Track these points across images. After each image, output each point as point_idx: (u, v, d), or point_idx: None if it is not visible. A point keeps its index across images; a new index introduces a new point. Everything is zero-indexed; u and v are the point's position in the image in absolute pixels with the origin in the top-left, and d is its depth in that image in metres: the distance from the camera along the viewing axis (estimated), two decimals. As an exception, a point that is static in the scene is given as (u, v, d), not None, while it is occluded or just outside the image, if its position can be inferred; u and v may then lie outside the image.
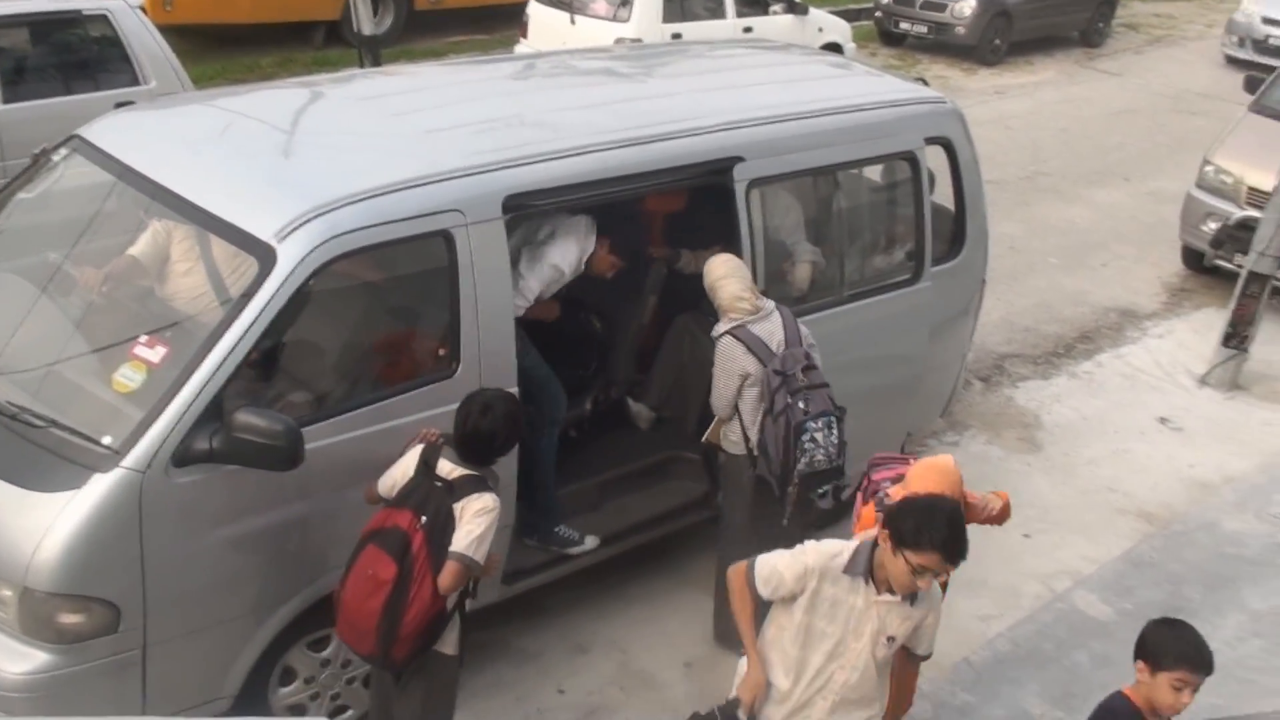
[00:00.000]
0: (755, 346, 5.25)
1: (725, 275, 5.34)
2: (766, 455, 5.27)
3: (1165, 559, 6.68)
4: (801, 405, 5.18)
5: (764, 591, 4.00)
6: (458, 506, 4.18)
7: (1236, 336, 8.62)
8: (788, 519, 5.29)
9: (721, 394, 5.33)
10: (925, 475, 4.41)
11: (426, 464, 4.29)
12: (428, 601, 4.16)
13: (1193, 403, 8.56)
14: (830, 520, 5.44)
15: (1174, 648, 3.85)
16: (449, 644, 4.44)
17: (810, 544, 4.00)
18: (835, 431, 5.28)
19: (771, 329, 5.33)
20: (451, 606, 4.35)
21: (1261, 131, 10.01)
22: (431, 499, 4.21)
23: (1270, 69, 11.82)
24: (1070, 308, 9.87)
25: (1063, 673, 5.79)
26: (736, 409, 5.34)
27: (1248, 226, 9.03)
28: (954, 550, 3.79)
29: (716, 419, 5.45)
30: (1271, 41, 16.78)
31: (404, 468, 4.36)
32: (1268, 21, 16.88)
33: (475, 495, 4.21)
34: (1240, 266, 8.76)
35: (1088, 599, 6.31)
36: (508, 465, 4.86)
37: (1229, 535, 6.91)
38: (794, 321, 5.42)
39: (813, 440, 5.19)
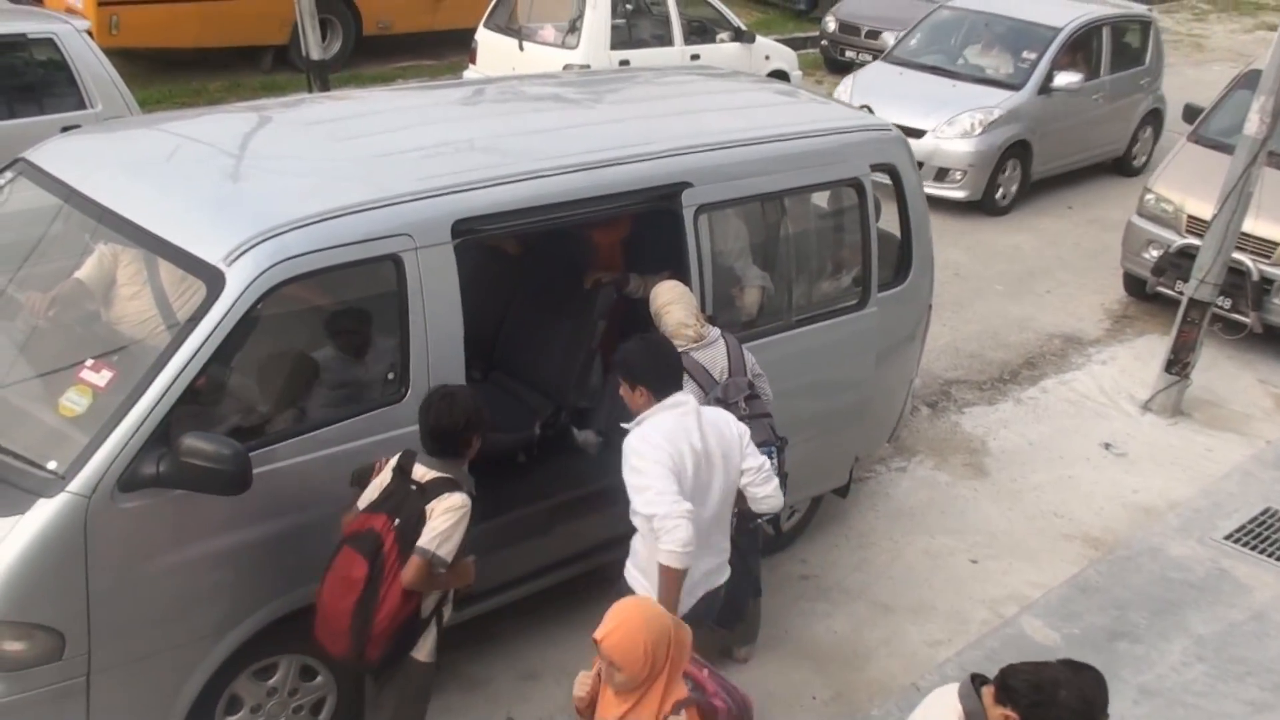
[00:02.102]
0: (697, 374, 5.25)
1: (670, 302, 5.37)
2: None
3: (1110, 584, 6.75)
4: None
5: None
6: (429, 507, 4.28)
7: (1178, 363, 8.76)
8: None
9: None
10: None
11: (402, 469, 4.38)
12: (398, 601, 4.26)
13: (1136, 429, 8.68)
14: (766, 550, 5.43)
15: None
16: (424, 651, 4.53)
17: None
18: (775, 462, 5.28)
19: (714, 356, 5.34)
20: (429, 614, 4.44)
21: (1200, 161, 10.20)
22: (406, 502, 4.31)
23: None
24: (1015, 334, 10.00)
25: (1010, 696, 5.84)
26: None
27: (1188, 254, 9.20)
28: None
29: None
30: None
31: (381, 479, 4.44)
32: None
33: (445, 495, 4.30)
34: (1181, 294, 8.90)
35: (1034, 624, 6.37)
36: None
37: (1173, 560, 7.00)
38: (739, 349, 5.43)
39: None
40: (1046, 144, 12.68)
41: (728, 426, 4.74)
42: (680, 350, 5.25)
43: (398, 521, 4.28)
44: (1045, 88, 12.49)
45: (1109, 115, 13.48)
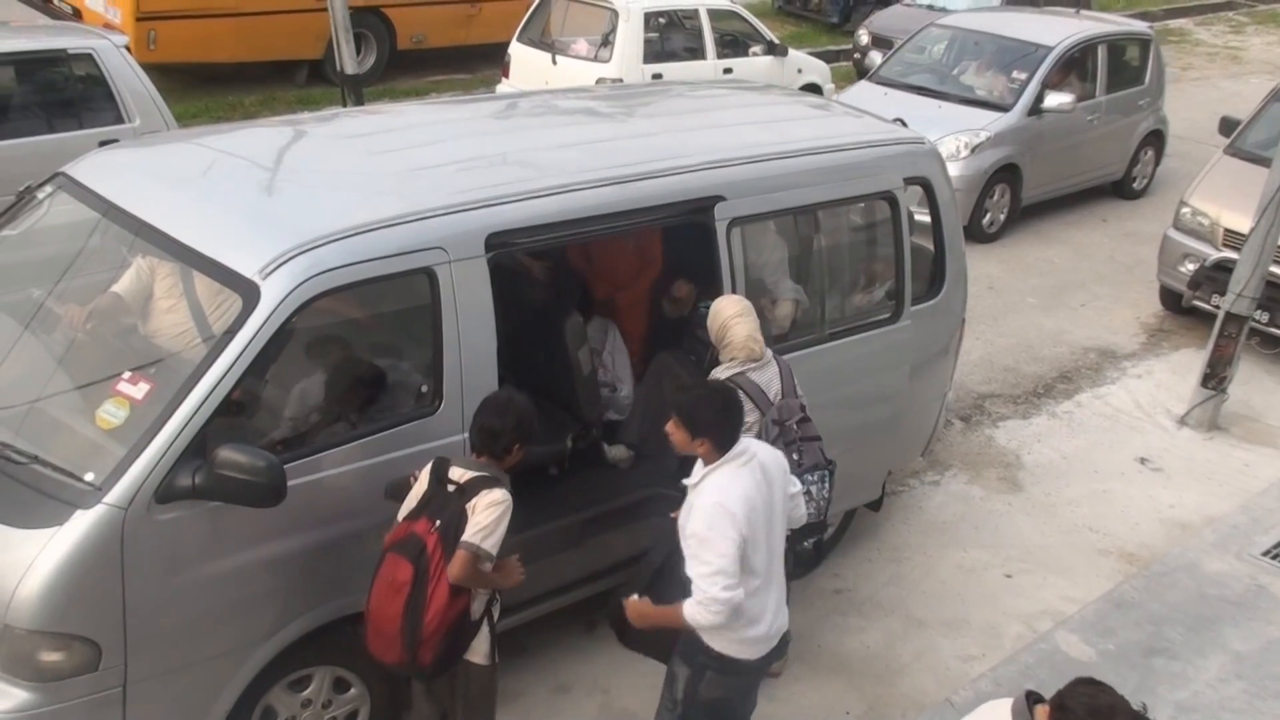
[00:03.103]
0: (755, 395, 5.23)
1: (738, 315, 5.31)
2: None
3: (1146, 600, 6.69)
4: (795, 457, 5.16)
5: None
6: (470, 505, 4.30)
7: (1215, 377, 8.68)
8: None
9: None
10: None
11: (438, 475, 4.40)
12: (445, 599, 4.27)
13: (1172, 443, 8.61)
14: (804, 570, 5.41)
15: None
16: (480, 653, 4.54)
17: None
18: (827, 485, 5.29)
19: (770, 377, 5.32)
20: (479, 615, 4.45)
21: (1236, 174, 10.11)
22: (446, 504, 4.33)
23: None
24: (1050, 347, 9.94)
25: (1045, 713, 5.78)
26: None
27: (1224, 268, 9.12)
28: None
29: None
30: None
31: (419, 487, 4.45)
32: None
33: (486, 490, 4.32)
34: (1218, 307, 8.83)
35: (1069, 640, 6.31)
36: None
37: (1210, 576, 6.93)
38: (790, 371, 5.42)
39: (807, 494, 5.15)
40: (1037, 167, 12.11)
41: (777, 465, 4.64)
42: (738, 371, 5.26)
43: (439, 523, 4.30)
44: (1036, 109, 11.93)
45: (1105, 137, 12.90)
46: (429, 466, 4.47)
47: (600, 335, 6.49)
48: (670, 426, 4.51)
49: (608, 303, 6.65)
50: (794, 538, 5.18)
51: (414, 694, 4.88)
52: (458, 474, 4.40)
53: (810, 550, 5.36)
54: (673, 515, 4.79)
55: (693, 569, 4.34)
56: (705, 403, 4.52)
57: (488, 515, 4.29)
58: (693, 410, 4.48)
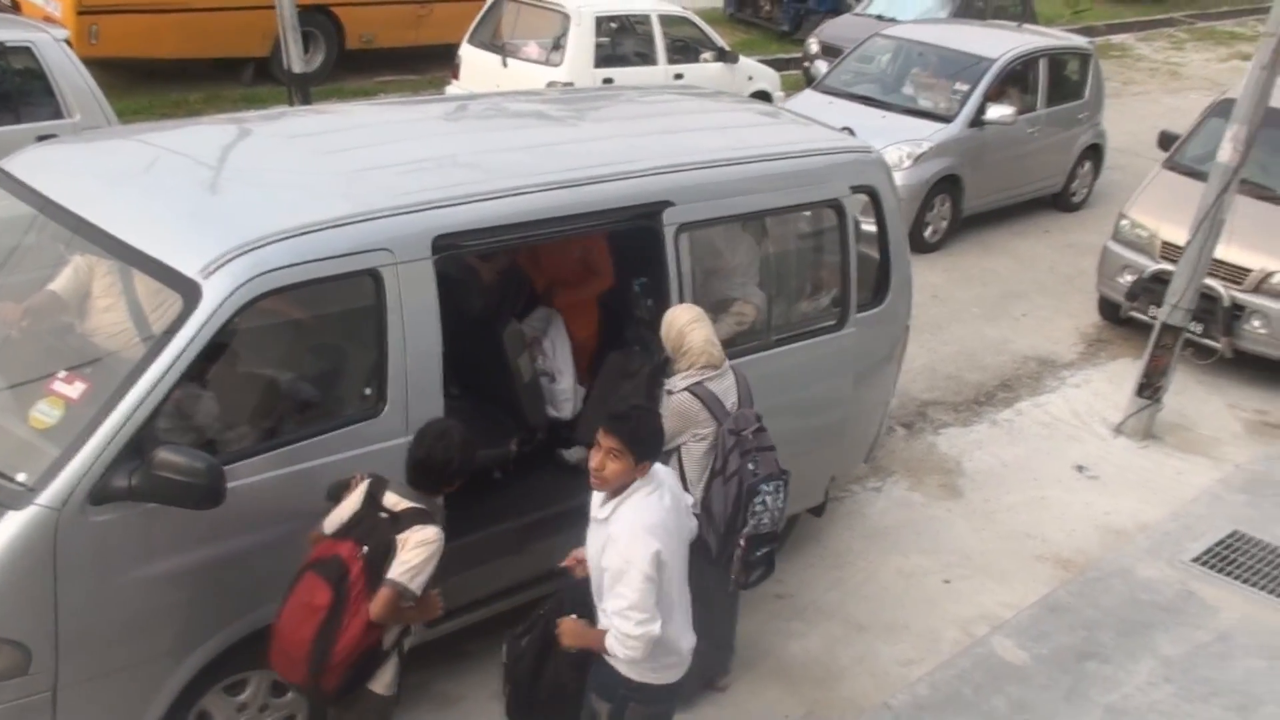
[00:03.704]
0: (712, 405, 5.21)
1: (692, 321, 5.30)
2: (710, 516, 5.18)
3: (1081, 604, 6.78)
4: (751, 467, 5.15)
5: None
6: (400, 538, 4.18)
7: (1150, 387, 8.82)
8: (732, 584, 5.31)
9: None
10: None
11: (372, 497, 4.29)
12: (360, 631, 4.15)
13: (1108, 451, 8.74)
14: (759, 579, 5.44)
15: None
16: (382, 683, 4.40)
17: None
18: (782, 495, 5.28)
19: (727, 387, 5.32)
20: (390, 645, 4.33)
21: (1174, 187, 10.29)
22: (375, 530, 4.21)
23: None
24: (991, 356, 10.05)
25: (980, 717, 5.83)
26: (680, 467, 5.22)
27: (1161, 280, 9.27)
28: None
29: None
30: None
31: (351, 504, 4.34)
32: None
33: (419, 527, 4.21)
34: (1154, 319, 8.96)
35: (1005, 644, 6.39)
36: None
37: (1142, 582, 7.04)
38: (746, 381, 5.42)
39: (763, 503, 5.17)
40: (978, 178, 12.17)
41: (674, 480, 4.59)
42: (695, 380, 5.23)
43: (365, 550, 4.17)
44: (978, 120, 12.00)
45: (1045, 149, 13.06)
46: (364, 485, 4.35)
47: (543, 324, 6.45)
48: (603, 459, 4.25)
49: (553, 297, 6.63)
50: (748, 548, 5.18)
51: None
52: (392, 501, 4.27)
53: (762, 561, 5.37)
54: (564, 564, 4.75)
55: (610, 604, 4.23)
56: (649, 424, 4.36)
57: (418, 554, 4.17)
58: (638, 434, 4.26)
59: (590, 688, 4.51)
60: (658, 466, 4.42)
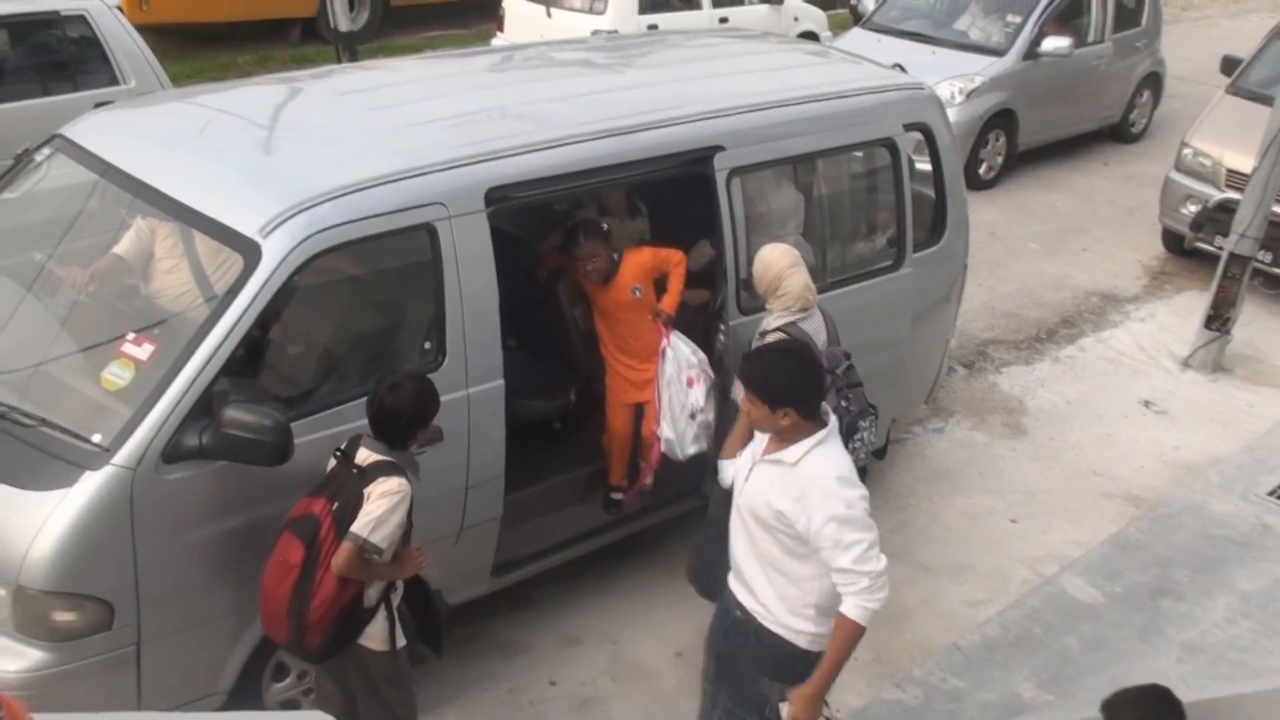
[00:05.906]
0: None
1: (791, 265, 5.25)
2: None
3: (1152, 542, 6.72)
4: (844, 404, 5.14)
5: None
6: (366, 490, 4.13)
7: (1218, 319, 8.67)
8: None
9: None
10: None
11: (345, 453, 4.27)
12: (334, 588, 4.12)
13: (1176, 386, 8.61)
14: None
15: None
16: (375, 639, 4.37)
17: None
18: (874, 429, 5.29)
19: (817, 326, 5.31)
20: (375, 602, 4.31)
21: (1239, 113, 10.06)
22: (345, 486, 4.18)
23: None
24: (1051, 293, 9.92)
25: (1052, 656, 5.82)
26: None
27: (1227, 209, 9.09)
28: None
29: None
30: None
31: (330, 461, 4.33)
32: None
33: (383, 479, 4.14)
34: (1220, 249, 8.81)
35: (1075, 583, 6.35)
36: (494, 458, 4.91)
37: (1216, 517, 6.96)
38: (833, 319, 5.41)
39: (861, 439, 5.17)
40: (1034, 113, 11.97)
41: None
42: (789, 320, 5.20)
43: (335, 505, 4.13)
44: (1032, 53, 11.77)
45: (1103, 80, 12.76)
46: (345, 442, 4.32)
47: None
48: (743, 403, 4.08)
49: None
50: None
51: (315, 672, 4.79)
52: (363, 455, 4.21)
53: None
54: None
55: (842, 556, 3.87)
56: (784, 369, 4.01)
57: (380, 505, 4.09)
58: (770, 379, 3.96)
59: (759, 673, 4.21)
60: (830, 417, 4.10)
